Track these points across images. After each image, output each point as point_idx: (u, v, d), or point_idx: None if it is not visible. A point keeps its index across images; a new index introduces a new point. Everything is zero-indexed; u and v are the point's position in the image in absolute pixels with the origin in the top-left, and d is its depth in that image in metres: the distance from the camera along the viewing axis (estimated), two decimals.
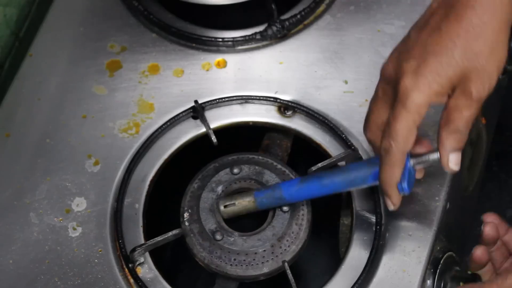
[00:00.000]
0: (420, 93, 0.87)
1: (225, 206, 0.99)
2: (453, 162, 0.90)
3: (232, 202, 0.99)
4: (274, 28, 1.16)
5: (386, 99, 0.92)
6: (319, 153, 1.09)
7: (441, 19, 0.88)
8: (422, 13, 0.93)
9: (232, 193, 1.02)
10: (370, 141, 0.97)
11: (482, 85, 0.87)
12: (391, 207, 0.95)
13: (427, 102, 0.87)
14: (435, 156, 0.92)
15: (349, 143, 1.07)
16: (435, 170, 1.02)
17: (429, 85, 0.87)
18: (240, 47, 1.17)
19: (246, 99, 1.12)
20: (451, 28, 0.87)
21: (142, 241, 1.03)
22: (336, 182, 0.96)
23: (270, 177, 1.03)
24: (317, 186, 0.97)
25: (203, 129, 1.10)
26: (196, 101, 1.11)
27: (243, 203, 0.99)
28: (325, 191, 0.97)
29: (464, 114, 0.88)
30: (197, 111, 1.11)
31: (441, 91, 0.88)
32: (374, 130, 0.95)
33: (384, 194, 0.94)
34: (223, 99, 1.12)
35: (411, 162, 0.93)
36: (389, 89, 0.91)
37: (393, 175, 0.91)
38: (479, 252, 0.98)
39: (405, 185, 0.92)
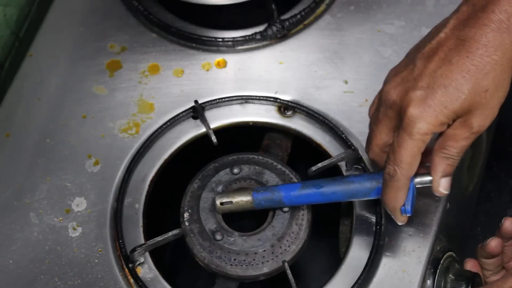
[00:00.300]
0: (426, 123, 0.89)
1: (221, 203, 0.99)
2: (443, 186, 0.94)
3: (229, 200, 0.99)
4: (274, 28, 1.16)
5: (388, 122, 0.94)
6: (319, 153, 1.09)
7: (450, 51, 0.90)
8: (425, 38, 0.94)
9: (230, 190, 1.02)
10: (373, 161, 0.99)
11: (484, 120, 0.90)
12: (399, 223, 0.98)
13: (431, 131, 0.90)
14: (427, 178, 0.94)
15: (349, 143, 1.07)
16: None
17: (435, 116, 0.89)
18: (240, 47, 1.17)
19: (246, 99, 1.12)
20: (462, 63, 0.89)
21: (142, 241, 1.03)
22: (337, 193, 0.97)
23: (270, 177, 1.03)
24: (317, 194, 0.97)
25: (203, 129, 1.10)
26: (196, 101, 1.11)
27: (240, 202, 0.98)
28: (325, 200, 0.97)
29: (460, 144, 0.91)
30: (197, 111, 1.11)
31: (446, 122, 0.90)
32: (377, 151, 0.97)
33: (390, 213, 0.97)
34: (223, 99, 1.12)
35: (414, 182, 0.95)
36: (392, 114, 0.93)
37: (397, 199, 0.94)
38: (494, 243, 1.01)
39: (408, 208, 0.95)
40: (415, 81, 0.91)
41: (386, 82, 0.94)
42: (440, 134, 0.92)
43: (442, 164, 0.92)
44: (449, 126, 0.91)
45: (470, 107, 0.89)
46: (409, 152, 0.90)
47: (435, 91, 0.89)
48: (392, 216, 0.97)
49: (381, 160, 0.96)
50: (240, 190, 1.00)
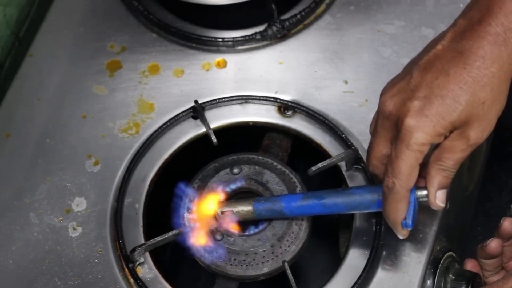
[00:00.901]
0: (424, 133, 0.89)
1: (222, 212, 0.99)
2: (439, 199, 0.93)
3: (231, 209, 0.99)
4: (274, 28, 1.16)
5: (385, 134, 0.93)
6: (319, 153, 1.09)
7: (448, 63, 0.90)
8: (422, 51, 0.94)
9: (231, 197, 1.02)
10: (373, 174, 0.99)
11: (481, 132, 0.90)
12: (401, 237, 0.97)
13: (429, 142, 0.89)
14: (424, 192, 0.94)
15: (349, 143, 1.07)
16: None
17: (433, 126, 0.89)
18: (240, 47, 1.17)
19: (246, 99, 1.12)
20: (460, 75, 0.89)
21: (142, 241, 1.03)
22: (338, 205, 0.96)
23: (270, 177, 1.03)
24: (318, 206, 0.96)
25: (203, 129, 1.10)
26: (196, 101, 1.11)
27: (242, 212, 0.98)
28: (326, 212, 0.97)
29: (457, 156, 0.91)
30: (197, 111, 1.11)
31: (443, 133, 0.90)
32: (376, 164, 0.96)
33: (391, 226, 0.96)
34: (223, 99, 1.12)
35: (416, 195, 0.94)
36: (389, 125, 0.92)
37: (397, 211, 0.93)
38: (493, 244, 1.00)
39: (409, 221, 0.94)
40: (412, 91, 0.90)
41: (382, 93, 0.94)
42: (436, 146, 0.91)
43: (438, 176, 0.92)
44: (445, 137, 0.90)
45: (467, 118, 0.89)
46: (407, 163, 0.90)
47: (432, 101, 0.89)
48: (394, 230, 0.96)
49: (380, 172, 0.95)
50: (242, 200, 1.00)
